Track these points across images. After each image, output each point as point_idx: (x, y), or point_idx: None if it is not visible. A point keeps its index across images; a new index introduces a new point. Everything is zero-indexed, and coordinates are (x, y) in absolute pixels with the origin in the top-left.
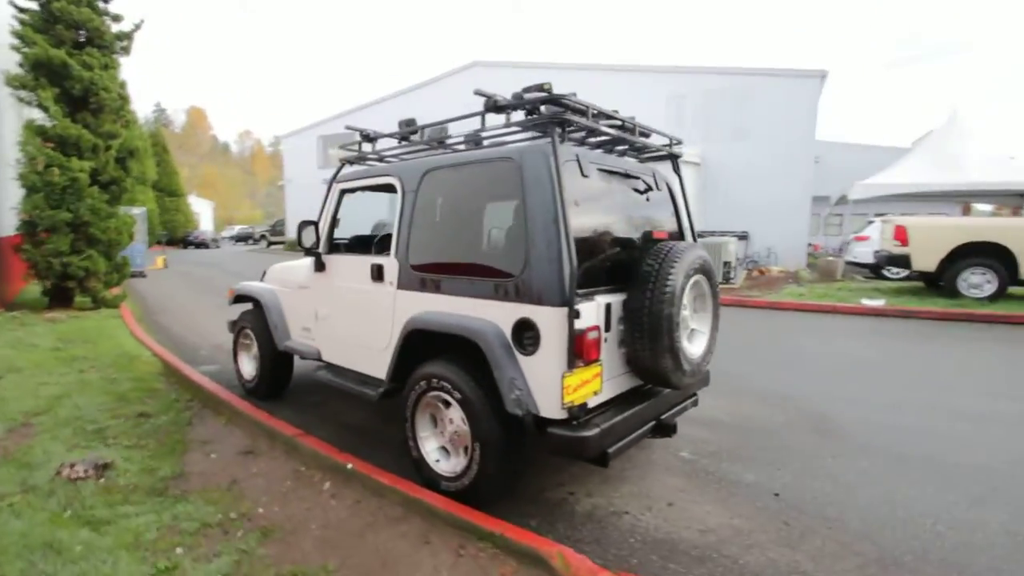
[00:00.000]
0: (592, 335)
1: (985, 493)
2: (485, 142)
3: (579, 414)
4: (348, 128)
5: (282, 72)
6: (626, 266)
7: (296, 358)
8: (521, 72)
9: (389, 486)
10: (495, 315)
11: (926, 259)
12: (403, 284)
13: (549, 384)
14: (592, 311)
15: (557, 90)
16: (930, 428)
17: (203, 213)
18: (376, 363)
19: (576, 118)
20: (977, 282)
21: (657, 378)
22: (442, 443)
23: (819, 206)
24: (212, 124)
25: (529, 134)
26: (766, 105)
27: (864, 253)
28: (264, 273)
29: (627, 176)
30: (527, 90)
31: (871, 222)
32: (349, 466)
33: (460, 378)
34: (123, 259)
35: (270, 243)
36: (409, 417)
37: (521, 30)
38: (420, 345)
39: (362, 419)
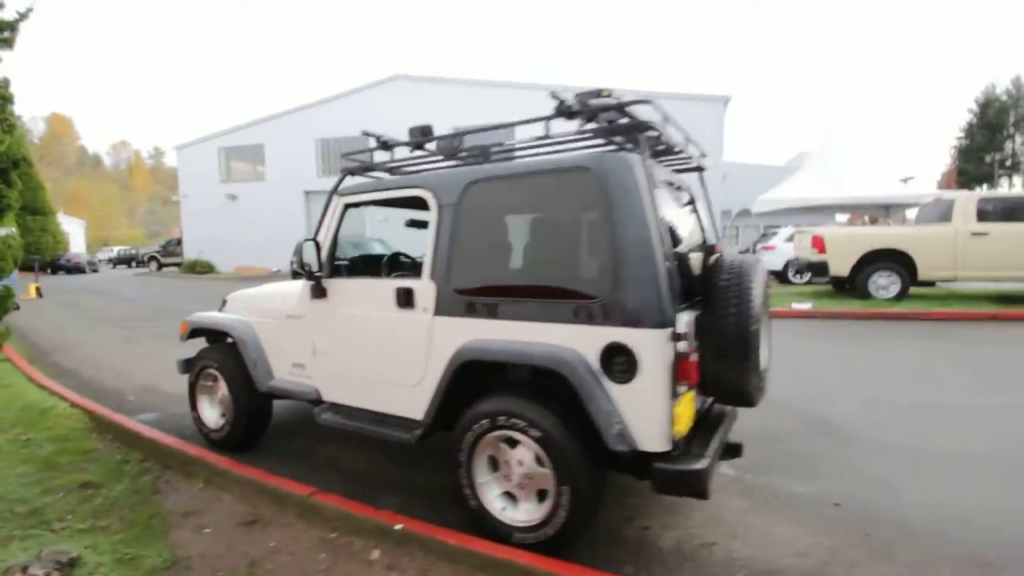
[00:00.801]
0: (693, 357)
1: (1006, 478)
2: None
3: (681, 445)
4: (365, 134)
5: (162, 78)
6: (689, 280)
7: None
8: (443, 87)
9: (463, 548)
10: (574, 341)
11: (841, 264)
12: (442, 310)
13: (650, 414)
14: (687, 331)
15: (470, 107)
16: (921, 422)
17: (73, 233)
18: (404, 401)
19: (653, 125)
20: (884, 284)
21: (739, 397)
22: (506, 489)
23: (722, 220)
24: (80, 133)
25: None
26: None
27: (772, 261)
28: (224, 302)
29: (678, 188)
30: (585, 96)
31: (775, 233)
32: (398, 527)
33: (539, 414)
34: (4, 289)
35: (161, 265)
36: (465, 462)
37: (435, 43)
38: (468, 379)
39: (367, 464)
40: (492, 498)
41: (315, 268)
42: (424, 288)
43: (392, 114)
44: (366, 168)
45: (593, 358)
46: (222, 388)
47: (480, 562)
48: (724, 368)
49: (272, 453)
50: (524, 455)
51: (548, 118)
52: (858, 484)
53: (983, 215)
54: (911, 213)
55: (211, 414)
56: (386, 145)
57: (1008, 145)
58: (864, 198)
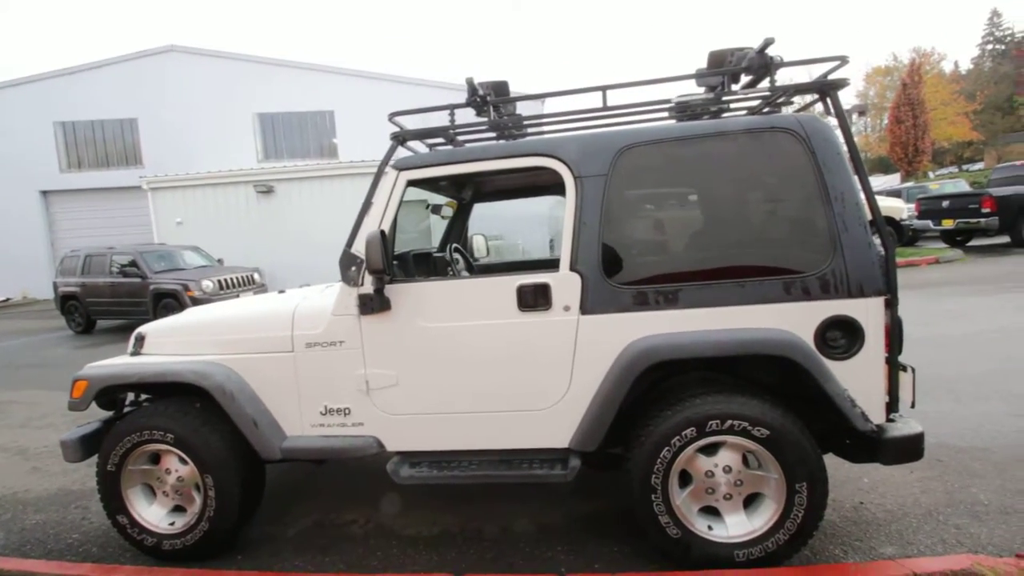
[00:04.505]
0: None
1: None
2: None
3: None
4: (469, 83)
5: None
6: None
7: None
8: (235, 66)
9: None
10: (785, 321)
11: None
12: (594, 306)
13: (873, 387)
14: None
15: (270, 90)
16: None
17: None
18: (538, 428)
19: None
20: None
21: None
22: (705, 504)
23: None
24: None
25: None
26: None
27: None
28: (140, 340)
29: None
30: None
31: None
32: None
33: (760, 410)
34: None
35: None
36: (660, 485)
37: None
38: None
39: (434, 519)
40: (694, 519)
41: (381, 270)
42: (564, 282)
43: (165, 95)
44: (425, 134)
45: (809, 337)
46: (179, 470)
47: None
48: None
49: (268, 551)
50: (729, 459)
51: (723, 72)
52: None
53: None
54: None
55: (154, 514)
56: (484, 101)
57: None
58: None
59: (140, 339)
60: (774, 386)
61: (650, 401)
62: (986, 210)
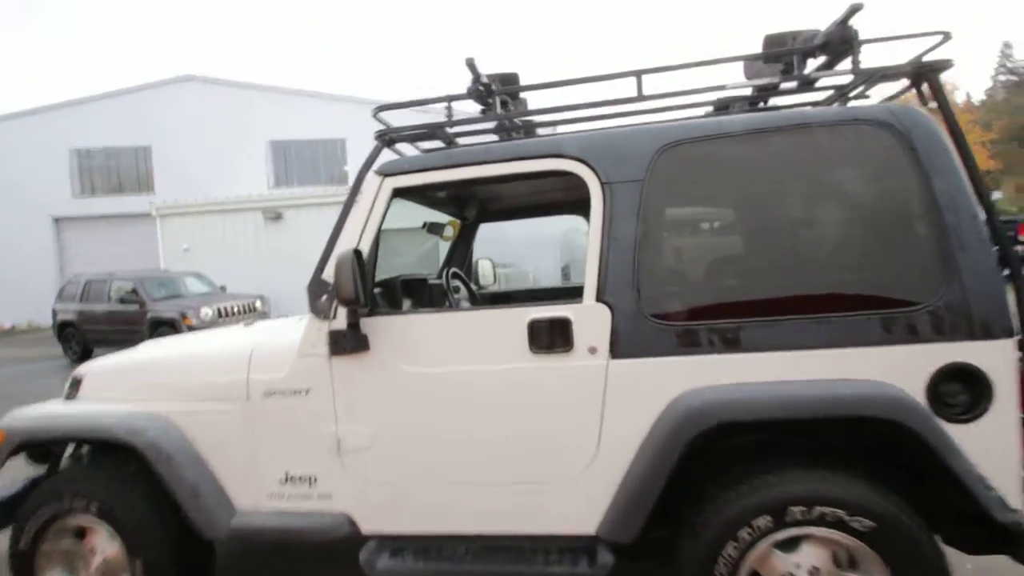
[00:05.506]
0: None
1: None
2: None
3: None
4: (471, 65)
5: None
6: None
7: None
8: (250, 95)
9: None
10: (879, 369)
11: None
12: (629, 348)
13: (1006, 461)
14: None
15: (285, 119)
16: None
17: None
18: (557, 506)
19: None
20: None
21: None
22: None
23: None
24: None
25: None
26: None
27: None
28: (76, 382)
29: None
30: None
31: None
32: None
33: (860, 492)
34: None
35: None
36: None
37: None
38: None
39: None
40: None
41: (353, 299)
42: (589, 316)
43: (179, 123)
44: (418, 135)
45: (918, 392)
46: (106, 549)
47: None
48: None
49: None
50: (817, 558)
51: (791, 51)
52: None
53: None
54: None
55: None
56: (489, 91)
57: None
58: None
59: (76, 382)
60: (853, 451)
61: (698, 469)
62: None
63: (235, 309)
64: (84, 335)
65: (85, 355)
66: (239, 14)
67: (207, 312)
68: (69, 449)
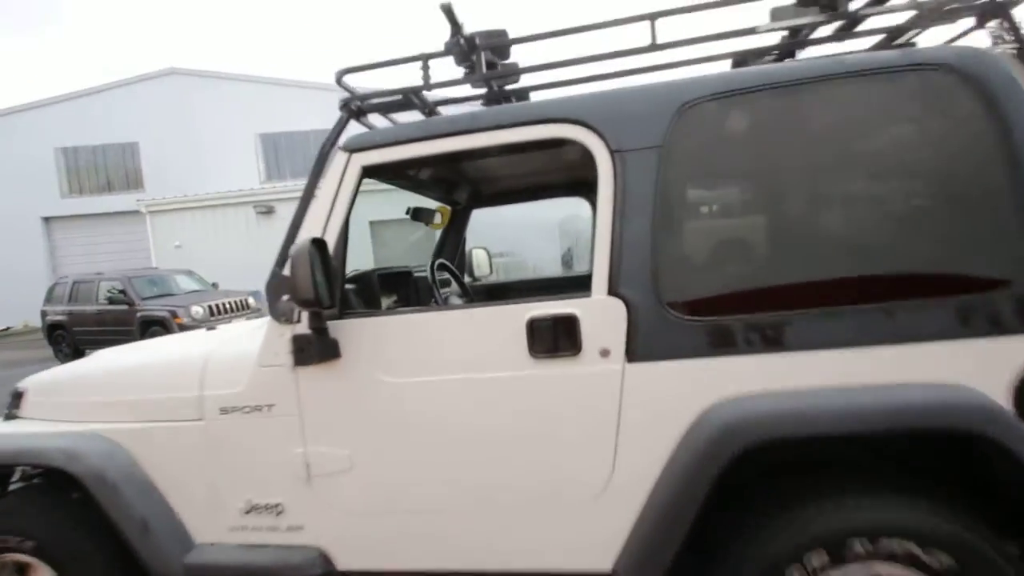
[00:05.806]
0: None
1: None
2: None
3: None
4: (446, 9)
5: None
6: None
7: None
8: (233, 86)
9: None
10: (951, 369)
11: None
12: (648, 349)
13: None
14: None
15: (268, 110)
16: None
17: None
18: (563, 537)
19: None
20: None
21: None
22: None
23: None
24: None
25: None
26: None
27: None
28: (19, 396)
29: None
30: None
31: None
32: None
33: (932, 519)
34: None
35: None
36: None
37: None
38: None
39: None
40: None
41: (312, 300)
42: (599, 312)
43: (165, 118)
44: (392, 103)
45: (1002, 397)
46: None
47: None
48: None
49: None
50: None
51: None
52: None
53: None
54: None
55: None
56: (472, 46)
57: None
58: None
59: (17, 397)
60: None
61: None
62: None
63: (227, 306)
64: (74, 337)
65: (76, 357)
66: (224, 3)
67: (198, 310)
68: (17, 474)
